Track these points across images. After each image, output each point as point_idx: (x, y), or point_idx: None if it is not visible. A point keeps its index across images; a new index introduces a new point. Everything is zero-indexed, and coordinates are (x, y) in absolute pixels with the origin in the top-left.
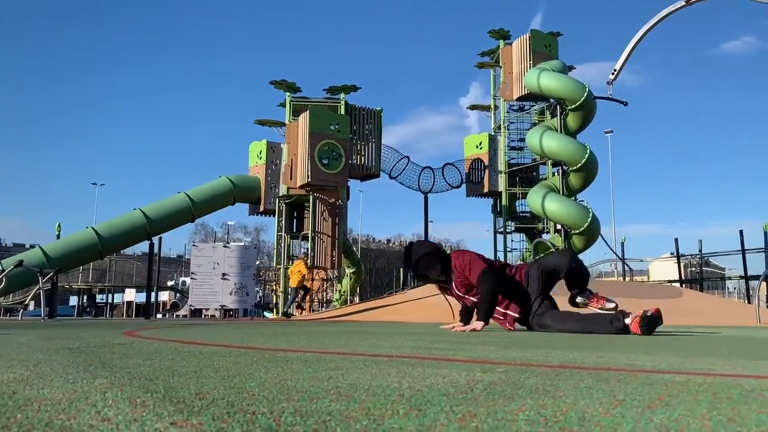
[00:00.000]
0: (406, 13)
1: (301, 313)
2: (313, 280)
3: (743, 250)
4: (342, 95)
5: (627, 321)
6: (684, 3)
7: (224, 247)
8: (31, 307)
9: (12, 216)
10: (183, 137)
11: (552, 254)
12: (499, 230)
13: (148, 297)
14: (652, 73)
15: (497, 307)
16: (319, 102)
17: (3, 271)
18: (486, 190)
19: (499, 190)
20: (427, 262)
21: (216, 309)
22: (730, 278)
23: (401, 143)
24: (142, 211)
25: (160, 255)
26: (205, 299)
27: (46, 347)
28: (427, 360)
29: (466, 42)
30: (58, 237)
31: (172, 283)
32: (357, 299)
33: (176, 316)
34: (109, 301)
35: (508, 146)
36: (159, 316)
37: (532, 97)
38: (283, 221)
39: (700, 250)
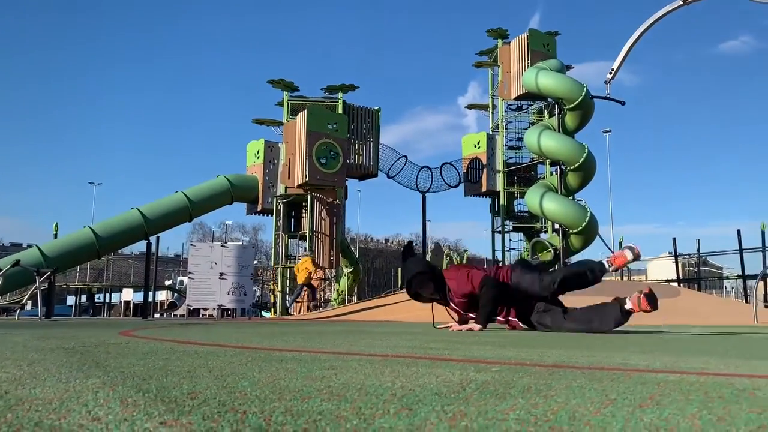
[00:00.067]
0: (404, 12)
1: (299, 312)
2: (311, 279)
3: (741, 250)
4: (340, 94)
5: (628, 306)
6: (681, 2)
7: (222, 246)
8: (29, 306)
9: (9, 215)
10: (180, 136)
11: (532, 275)
12: (497, 230)
13: (146, 297)
14: (650, 72)
15: (498, 317)
16: (316, 101)
17: (0, 270)
18: (484, 189)
19: (497, 190)
20: (419, 281)
21: (213, 309)
22: (727, 278)
23: (399, 143)
24: (139, 210)
25: (158, 254)
26: (203, 299)
27: (41, 347)
28: (421, 359)
29: (464, 41)
30: (56, 236)
31: (170, 282)
32: (355, 299)
33: (174, 315)
34: (107, 300)
35: (506, 145)
36: (156, 315)
37: (530, 96)
38: (281, 221)
39: (698, 250)
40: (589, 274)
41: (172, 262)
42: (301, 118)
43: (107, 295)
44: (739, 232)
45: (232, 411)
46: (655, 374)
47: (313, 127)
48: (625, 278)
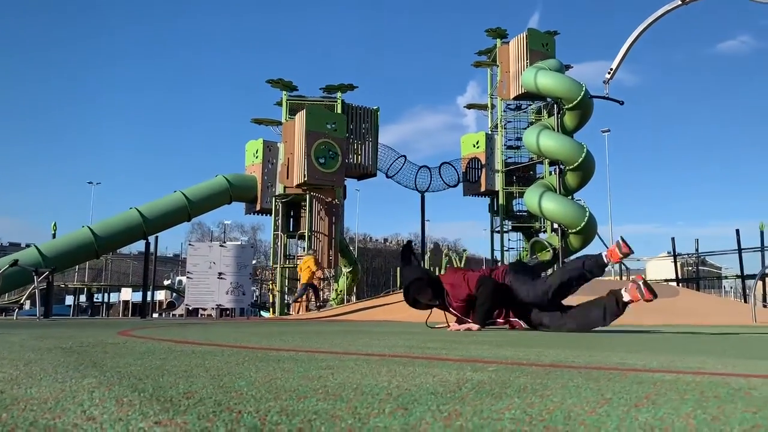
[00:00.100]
0: (404, 12)
1: (298, 312)
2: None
3: (739, 250)
4: (339, 94)
5: (626, 298)
6: (680, 2)
7: (220, 246)
8: (27, 306)
9: (9, 215)
10: (180, 136)
11: (526, 287)
12: (496, 229)
13: (144, 296)
14: (649, 72)
15: (498, 320)
16: (315, 101)
17: None
18: (483, 189)
19: (496, 189)
20: (417, 288)
21: (212, 308)
22: (726, 277)
23: (398, 142)
24: (138, 210)
25: (156, 254)
26: (202, 298)
27: (38, 347)
28: (418, 359)
29: (464, 41)
30: (54, 236)
31: (169, 282)
32: (354, 298)
33: (172, 315)
34: (106, 300)
35: (505, 145)
36: (155, 315)
37: (529, 96)
38: (280, 220)
39: (697, 250)
40: (588, 275)
41: (170, 261)
42: (300, 117)
43: (106, 294)
44: (737, 231)
45: (228, 410)
46: (652, 374)
47: (311, 127)
48: (624, 278)
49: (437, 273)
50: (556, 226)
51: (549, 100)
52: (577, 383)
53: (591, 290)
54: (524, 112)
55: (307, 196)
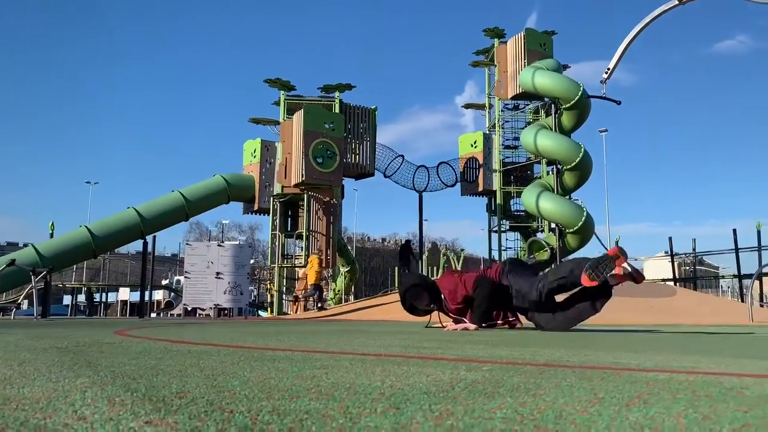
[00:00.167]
0: (402, 12)
1: (296, 311)
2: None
3: (736, 249)
4: (336, 94)
5: (611, 281)
6: (677, 2)
7: (218, 246)
8: (25, 306)
9: (9, 215)
10: (178, 135)
11: (520, 290)
12: (494, 229)
13: (142, 296)
14: (647, 72)
15: (497, 321)
16: (313, 100)
17: None
18: (480, 188)
19: (494, 189)
20: (414, 293)
21: (210, 308)
22: (723, 277)
23: (396, 142)
24: (135, 209)
25: (154, 254)
26: (199, 298)
27: (34, 346)
28: (413, 359)
29: (462, 41)
30: (52, 236)
31: (167, 282)
32: (351, 298)
33: (170, 315)
34: (104, 300)
35: (502, 145)
36: (153, 315)
37: (527, 95)
38: (278, 220)
39: (694, 249)
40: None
41: (168, 261)
42: (298, 117)
43: (104, 294)
44: (734, 231)
45: (220, 410)
46: (645, 373)
47: (309, 127)
48: None
49: (435, 275)
50: (553, 225)
51: (546, 99)
52: (570, 382)
53: None
54: (522, 111)
55: (305, 195)
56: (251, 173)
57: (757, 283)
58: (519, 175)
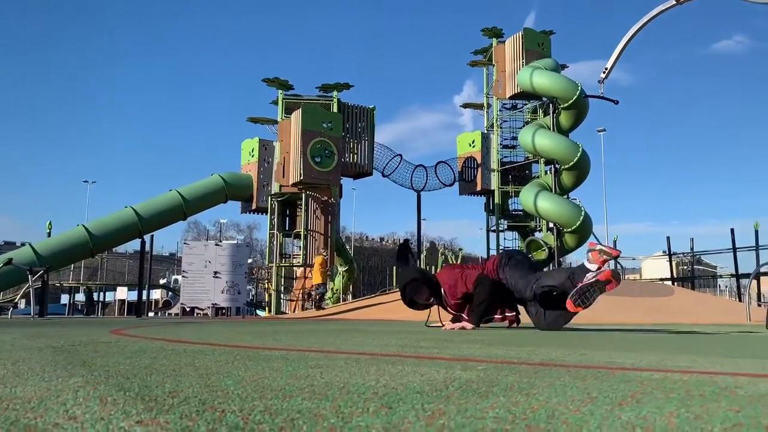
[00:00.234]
0: (400, 11)
1: (294, 311)
2: (306, 278)
3: (734, 249)
4: (335, 93)
5: (593, 268)
6: (675, 2)
7: (216, 245)
8: (22, 305)
9: (4, 214)
10: (178, 135)
11: (515, 285)
12: (492, 228)
13: (140, 295)
14: (644, 71)
15: (495, 316)
16: (311, 100)
17: None
18: (479, 188)
19: (492, 189)
20: (413, 288)
21: (208, 307)
22: (721, 276)
23: (394, 141)
24: (133, 209)
25: (152, 253)
26: (197, 297)
27: (29, 346)
28: (409, 358)
29: (460, 40)
30: (49, 235)
31: (164, 281)
32: (350, 297)
33: (168, 314)
34: (101, 299)
35: (500, 144)
36: (151, 314)
37: (525, 95)
38: (276, 219)
39: (692, 249)
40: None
41: (166, 260)
42: (296, 116)
43: (101, 293)
44: (732, 231)
45: (211, 410)
46: (640, 372)
47: (307, 126)
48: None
49: (433, 272)
50: (551, 225)
51: (545, 99)
52: (564, 382)
53: None
54: (520, 111)
55: (303, 194)
56: (249, 172)
57: (754, 282)
58: (517, 174)
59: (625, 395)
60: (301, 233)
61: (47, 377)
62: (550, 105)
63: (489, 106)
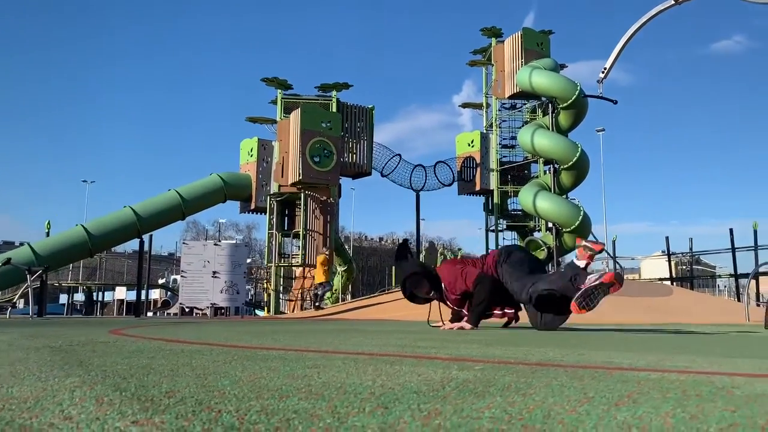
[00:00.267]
0: (400, 11)
1: (293, 310)
2: (305, 278)
3: (733, 249)
4: (334, 93)
5: (581, 265)
6: (673, 2)
7: (215, 245)
8: (21, 305)
9: (3, 212)
10: (178, 135)
11: (512, 286)
12: (491, 228)
13: (139, 295)
14: (643, 71)
15: (495, 311)
16: (310, 99)
17: None
18: (478, 188)
19: (491, 188)
20: (414, 281)
21: (207, 307)
22: (720, 276)
23: (393, 141)
24: (132, 208)
25: (151, 253)
26: (196, 297)
27: (27, 346)
28: (407, 358)
29: (459, 40)
30: (48, 234)
31: (163, 281)
32: (349, 297)
33: (167, 314)
34: (100, 299)
35: (499, 144)
36: (150, 314)
37: (524, 95)
38: (275, 219)
39: (691, 249)
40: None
41: (165, 260)
42: (295, 116)
43: (100, 293)
44: (731, 231)
45: (207, 410)
46: (637, 372)
47: (306, 126)
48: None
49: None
50: (550, 225)
51: (544, 99)
52: (561, 382)
53: None
54: (519, 111)
55: (302, 194)
56: (248, 172)
57: (753, 282)
58: (516, 174)
59: (621, 395)
60: (300, 233)
61: (44, 377)
62: (549, 105)
63: (488, 105)
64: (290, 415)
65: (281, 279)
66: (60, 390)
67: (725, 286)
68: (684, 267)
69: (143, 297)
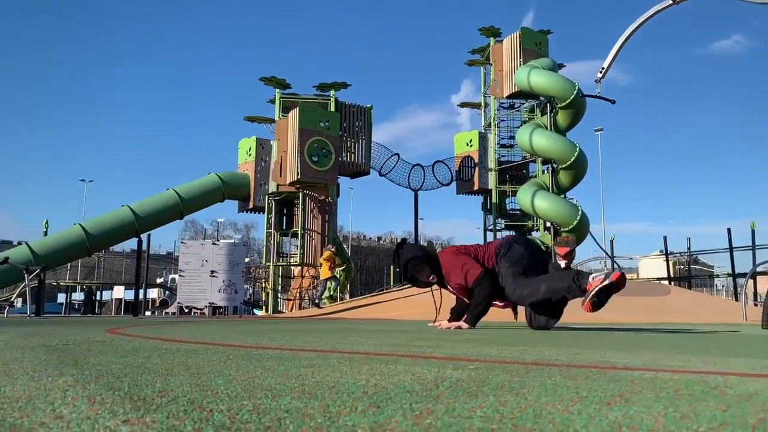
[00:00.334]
0: (398, 11)
1: (291, 309)
2: (303, 277)
3: (731, 248)
4: (332, 92)
5: (562, 265)
6: (671, 2)
7: (213, 244)
8: (18, 304)
9: (2, 211)
10: (178, 135)
11: (506, 283)
12: (489, 228)
13: (137, 294)
14: (642, 71)
15: (496, 302)
16: (309, 99)
17: None
18: (476, 187)
19: (489, 188)
20: (415, 265)
21: (205, 306)
22: (718, 276)
23: (392, 140)
24: (130, 207)
25: (149, 252)
26: (194, 296)
27: (23, 345)
28: (402, 357)
29: (458, 39)
30: (46, 233)
31: (162, 280)
32: (347, 296)
33: (165, 313)
34: (98, 298)
35: (498, 144)
36: (148, 313)
37: (523, 94)
38: (273, 218)
39: (689, 248)
40: (569, 298)
41: (163, 259)
42: (293, 115)
43: (98, 292)
44: (729, 230)
45: (199, 409)
46: (631, 372)
47: (305, 125)
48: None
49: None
50: (548, 224)
51: (542, 98)
52: (554, 381)
53: None
54: (517, 110)
55: (300, 194)
56: (246, 171)
57: (751, 282)
58: (514, 173)
59: (614, 395)
60: (299, 232)
61: (37, 376)
62: (548, 104)
63: (486, 105)
64: (282, 415)
65: (279, 278)
66: (53, 389)
67: (723, 286)
68: (682, 267)
69: (141, 296)
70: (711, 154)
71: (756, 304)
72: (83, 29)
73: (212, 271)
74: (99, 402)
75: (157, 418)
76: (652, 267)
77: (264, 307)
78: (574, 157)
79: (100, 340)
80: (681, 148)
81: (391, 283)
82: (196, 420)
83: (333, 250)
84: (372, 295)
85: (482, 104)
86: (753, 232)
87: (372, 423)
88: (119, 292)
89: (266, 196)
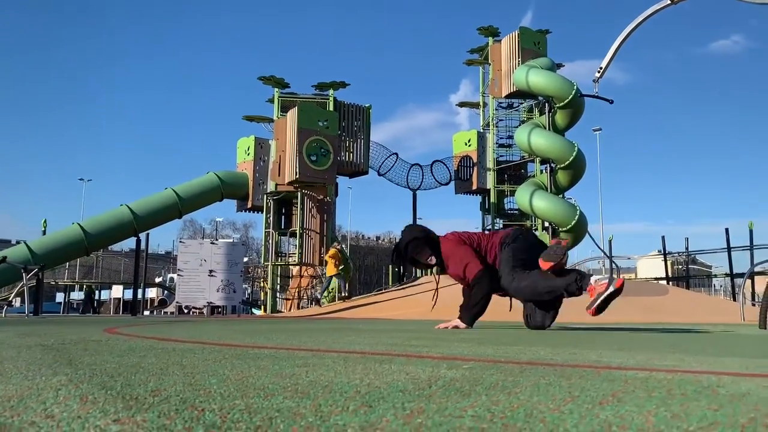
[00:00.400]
0: (397, 10)
1: (290, 309)
2: (301, 276)
3: (729, 248)
4: (331, 91)
5: (544, 267)
6: (669, 2)
7: (211, 243)
8: (17, 303)
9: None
10: (176, 135)
11: (504, 277)
12: (488, 227)
13: (135, 294)
14: (640, 71)
15: (497, 294)
16: (307, 98)
17: None
18: (474, 187)
19: (488, 188)
20: (415, 246)
21: (203, 306)
22: (716, 276)
23: (390, 140)
24: (128, 207)
25: (148, 251)
26: (192, 296)
27: (19, 344)
28: (398, 357)
29: (456, 39)
30: (44, 233)
31: (160, 279)
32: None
33: (164, 313)
34: (97, 297)
35: (496, 143)
36: (146, 313)
37: (521, 94)
38: (271, 218)
39: (687, 248)
40: (565, 296)
41: (162, 259)
42: (292, 115)
43: (97, 292)
44: (727, 230)
45: (191, 408)
46: (625, 371)
47: (303, 124)
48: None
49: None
50: (547, 224)
51: (540, 98)
52: (548, 381)
53: None
54: (516, 110)
55: (299, 193)
56: (245, 171)
57: (749, 282)
58: (513, 173)
59: (606, 394)
60: (297, 232)
61: (31, 376)
62: (546, 104)
63: (485, 105)
64: (273, 414)
65: (278, 278)
66: (45, 388)
67: (721, 286)
68: (680, 266)
69: (140, 296)
70: (709, 154)
71: (754, 304)
72: (83, 29)
73: (211, 271)
74: (91, 401)
75: (148, 417)
76: (650, 267)
77: (262, 307)
78: (572, 157)
79: (97, 339)
80: (679, 148)
81: (390, 283)
82: (187, 419)
83: (339, 247)
84: (371, 295)
85: (481, 104)
86: (751, 232)
87: (363, 422)
88: (118, 291)
89: (265, 196)
